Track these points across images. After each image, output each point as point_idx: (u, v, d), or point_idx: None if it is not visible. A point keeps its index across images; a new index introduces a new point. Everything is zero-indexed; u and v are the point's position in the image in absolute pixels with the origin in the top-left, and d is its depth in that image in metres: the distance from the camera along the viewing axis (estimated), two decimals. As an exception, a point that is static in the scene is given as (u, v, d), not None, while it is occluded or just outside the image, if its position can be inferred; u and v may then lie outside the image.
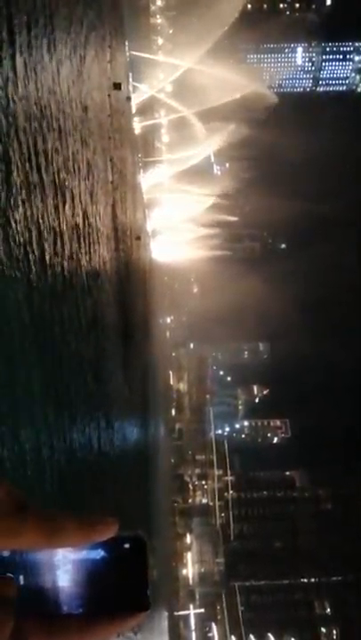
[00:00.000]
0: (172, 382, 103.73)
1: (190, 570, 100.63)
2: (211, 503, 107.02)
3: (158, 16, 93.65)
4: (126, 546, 0.96)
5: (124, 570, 0.95)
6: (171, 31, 65.50)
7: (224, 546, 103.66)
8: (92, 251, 16.39)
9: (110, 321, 20.64)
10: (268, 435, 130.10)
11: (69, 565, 0.89)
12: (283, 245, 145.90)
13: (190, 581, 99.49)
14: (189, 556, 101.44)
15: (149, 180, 66.71)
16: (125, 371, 25.20)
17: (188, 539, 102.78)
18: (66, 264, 12.05)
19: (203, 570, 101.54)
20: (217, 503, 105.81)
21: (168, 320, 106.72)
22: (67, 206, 12.87)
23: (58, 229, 11.47)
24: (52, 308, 10.64)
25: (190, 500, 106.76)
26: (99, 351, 17.27)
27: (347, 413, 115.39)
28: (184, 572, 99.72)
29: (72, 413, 12.32)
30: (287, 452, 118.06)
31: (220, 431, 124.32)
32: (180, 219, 73.26)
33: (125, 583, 0.94)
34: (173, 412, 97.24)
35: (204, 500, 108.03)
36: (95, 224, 17.53)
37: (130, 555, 0.96)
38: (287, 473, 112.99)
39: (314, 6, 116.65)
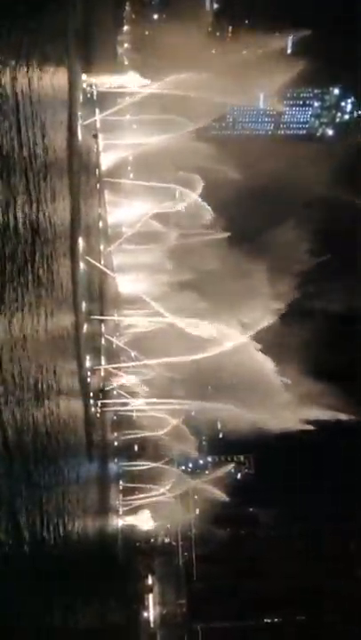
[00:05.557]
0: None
1: (152, 612, 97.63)
2: (174, 542, 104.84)
3: (125, 57, 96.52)
4: None
5: None
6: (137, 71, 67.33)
7: (187, 586, 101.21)
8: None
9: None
10: (232, 471, 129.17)
11: None
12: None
13: (152, 624, 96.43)
14: (151, 598, 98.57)
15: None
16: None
17: (150, 580, 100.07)
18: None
19: (165, 612, 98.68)
20: (180, 542, 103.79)
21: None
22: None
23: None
24: None
25: (152, 540, 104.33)
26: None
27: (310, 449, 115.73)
28: (145, 614, 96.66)
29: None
30: (251, 489, 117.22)
31: (183, 467, 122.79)
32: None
33: None
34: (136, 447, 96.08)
35: (167, 540, 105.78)
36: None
37: None
38: (251, 509, 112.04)
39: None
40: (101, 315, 50.14)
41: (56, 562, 18.50)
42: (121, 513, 71.73)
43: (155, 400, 56.37)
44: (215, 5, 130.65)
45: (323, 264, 72.31)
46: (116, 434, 69.99)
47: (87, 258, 36.83)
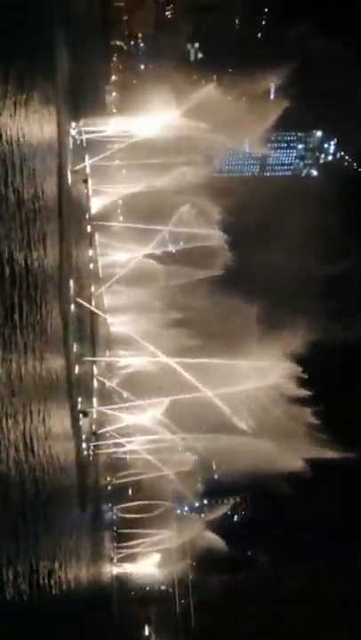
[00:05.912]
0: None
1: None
2: (170, 589, 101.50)
3: (113, 105, 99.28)
4: None
5: None
6: (125, 117, 69.09)
7: (185, 635, 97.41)
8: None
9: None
10: (228, 513, 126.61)
11: None
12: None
13: None
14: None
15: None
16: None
17: (147, 630, 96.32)
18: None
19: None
20: (176, 589, 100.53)
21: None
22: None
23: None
24: None
25: (148, 588, 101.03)
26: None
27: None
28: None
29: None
30: (247, 530, 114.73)
31: (178, 511, 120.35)
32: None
33: None
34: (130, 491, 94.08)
35: (163, 587, 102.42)
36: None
37: None
38: (249, 553, 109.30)
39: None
40: (93, 356, 49.88)
41: (46, 614, 17.80)
42: (115, 560, 69.71)
43: (150, 437, 55.49)
44: (199, 55, 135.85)
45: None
46: (109, 478, 68.67)
47: (78, 299, 36.89)
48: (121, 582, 72.92)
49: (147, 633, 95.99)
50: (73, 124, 41.70)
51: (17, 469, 14.02)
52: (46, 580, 17.45)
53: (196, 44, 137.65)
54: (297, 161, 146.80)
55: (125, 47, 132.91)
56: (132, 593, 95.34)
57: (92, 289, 53.45)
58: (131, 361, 62.81)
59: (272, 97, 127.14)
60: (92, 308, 48.31)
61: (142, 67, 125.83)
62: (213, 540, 77.15)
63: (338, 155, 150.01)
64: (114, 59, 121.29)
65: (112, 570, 65.59)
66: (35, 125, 18.58)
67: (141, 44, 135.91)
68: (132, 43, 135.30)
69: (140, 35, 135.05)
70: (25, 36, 18.82)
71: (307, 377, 46.13)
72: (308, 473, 47.94)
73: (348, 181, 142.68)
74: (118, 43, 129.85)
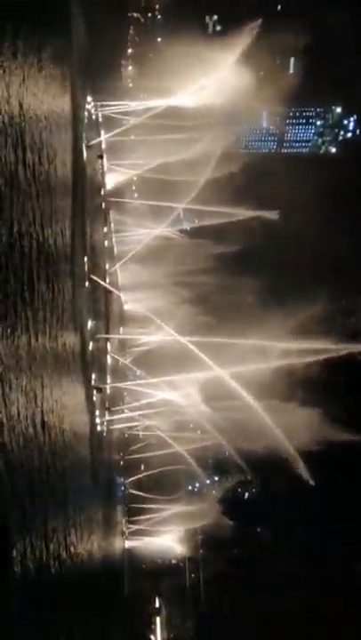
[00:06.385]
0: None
1: (159, 635, 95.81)
2: (181, 564, 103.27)
3: (130, 79, 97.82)
4: None
5: None
6: (141, 92, 68.04)
7: (194, 609, 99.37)
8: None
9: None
10: (239, 490, 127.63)
11: None
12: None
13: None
14: (158, 621, 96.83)
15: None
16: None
17: (157, 602, 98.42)
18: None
19: (172, 635, 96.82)
20: (187, 563, 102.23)
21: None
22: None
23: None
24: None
25: (159, 561, 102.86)
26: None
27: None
28: (152, 638, 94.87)
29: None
30: (258, 507, 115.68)
31: (190, 487, 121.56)
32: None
33: None
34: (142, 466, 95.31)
35: (174, 561, 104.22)
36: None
37: None
38: (258, 530, 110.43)
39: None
40: (107, 333, 50.04)
41: (60, 586, 18.17)
42: (127, 534, 70.88)
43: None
44: (218, 27, 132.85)
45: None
46: (122, 453, 69.47)
47: (92, 276, 36.89)
48: (132, 555, 74.22)
49: (157, 605, 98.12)
50: (88, 99, 41.21)
51: (31, 443, 14.18)
52: (59, 553, 17.78)
53: (215, 17, 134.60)
54: (315, 137, 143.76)
55: (142, 20, 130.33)
56: (144, 566, 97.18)
57: (107, 266, 53.39)
58: (144, 339, 62.94)
59: (291, 71, 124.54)
60: (107, 286, 48.31)
61: (159, 39, 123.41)
62: (223, 516, 77.94)
63: (358, 131, 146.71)
64: (130, 31, 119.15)
65: (124, 543, 66.73)
66: (49, 99, 18.35)
67: (159, 17, 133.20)
68: (150, 15, 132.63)
69: (157, 7, 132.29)
70: (41, 7, 18.49)
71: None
72: (317, 456, 47.84)
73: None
74: (135, 15, 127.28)
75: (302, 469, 43.19)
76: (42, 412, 15.74)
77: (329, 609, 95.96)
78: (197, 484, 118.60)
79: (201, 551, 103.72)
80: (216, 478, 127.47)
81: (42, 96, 16.57)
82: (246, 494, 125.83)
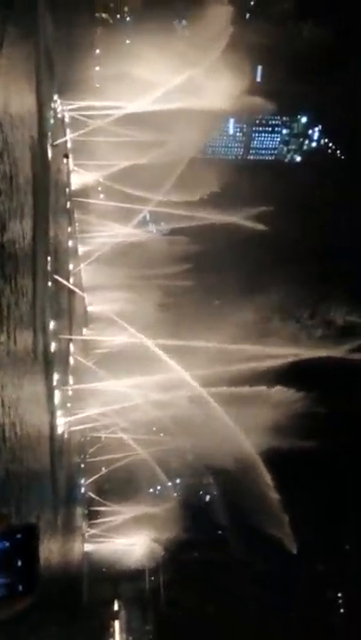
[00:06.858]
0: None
1: (118, 639, 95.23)
2: (140, 567, 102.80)
3: (97, 79, 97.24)
4: (19, 536, 1.07)
5: (15, 557, 1.07)
6: (109, 92, 67.82)
7: (154, 612, 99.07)
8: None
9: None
10: (200, 492, 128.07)
11: None
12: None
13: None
14: (117, 625, 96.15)
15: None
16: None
17: (116, 605, 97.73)
18: None
19: (131, 639, 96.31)
20: (146, 567, 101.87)
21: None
22: None
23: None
24: None
25: (118, 565, 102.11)
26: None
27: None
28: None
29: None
30: (219, 510, 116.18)
31: (151, 490, 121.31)
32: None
33: (17, 569, 1.06)
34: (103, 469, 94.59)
35: (134, 564, 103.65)
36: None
37: (22, 543, 1.08)
38: (219, 532, 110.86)
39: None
40: (70, 334, 49.60)
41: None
42: (87, 538, 70.27)
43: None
44: (186, 32, 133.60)
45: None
46: (83, 455, 68.87)
47: (55, 276, 36.55)
48: (92, 559, 73.57)
49: (116, 607, 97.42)
50: (55, 97, 40.92)
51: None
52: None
53: (184, 22, 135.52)
54: (281, 146, 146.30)
55: (111, 21, 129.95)
56: (104, 570, 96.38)
57: (71, 266, 52.96)
58: (107, 340, 62.71)
59: (258, 79, 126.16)
60: (70, 286, 47.95)
61: (128, 41, 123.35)
62: (184, 519, 78.11)
63: (322, 141, 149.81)
64: (98, 32, 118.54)
65: (84, 547, 66.12)
66: (14, 96, 18.15)
67: (128, 19, 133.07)
68: (118, 16, 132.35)
69: (125, 9, 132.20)
70: (8, 4, 18.29)
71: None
72: (280, 458, 48.48)
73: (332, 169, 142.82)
74: (104, 16, 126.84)
75: (263, 471, 43.74)
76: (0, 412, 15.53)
77: (290, 609, 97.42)
78: (159, 487, 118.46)
79: (162, 554, 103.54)
80: (178, 481, 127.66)
81: (6, 93, 16.40)
82: (208, 497, 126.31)
